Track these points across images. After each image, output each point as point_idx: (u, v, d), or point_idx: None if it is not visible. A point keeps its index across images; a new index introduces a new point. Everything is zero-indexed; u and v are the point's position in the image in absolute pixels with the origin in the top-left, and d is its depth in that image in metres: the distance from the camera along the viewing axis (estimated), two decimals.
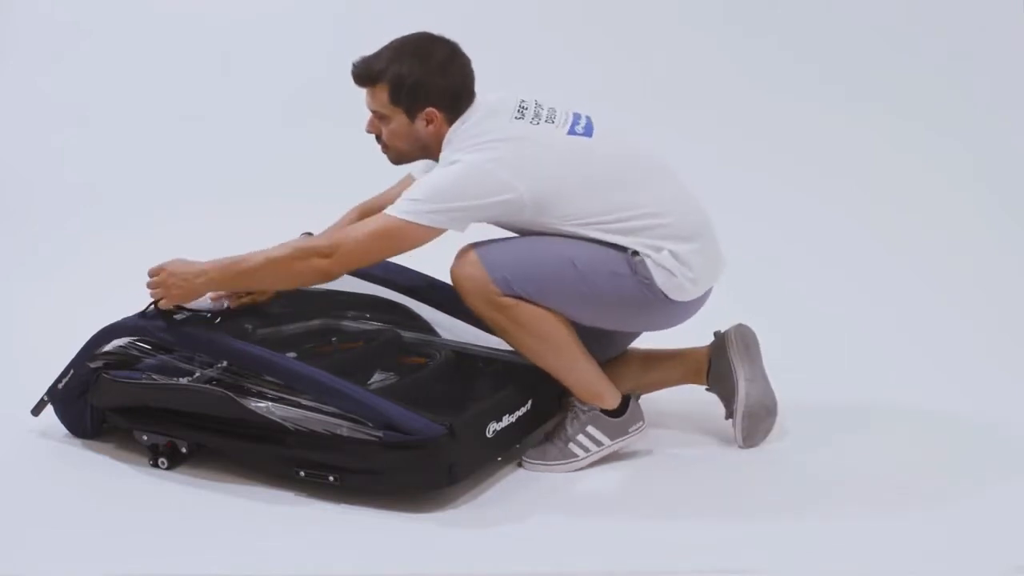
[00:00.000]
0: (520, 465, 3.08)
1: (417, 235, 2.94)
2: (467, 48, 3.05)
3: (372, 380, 3.26)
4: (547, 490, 2.99)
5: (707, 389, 3.27)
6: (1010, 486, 3.00)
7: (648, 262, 2.97)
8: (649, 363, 3.28)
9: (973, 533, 2.79)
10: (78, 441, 3.20)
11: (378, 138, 3.09)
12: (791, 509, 2.91)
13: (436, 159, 3.06)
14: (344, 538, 2.79)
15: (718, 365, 3.20)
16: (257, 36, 5.02)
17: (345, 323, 3.51)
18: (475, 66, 3.06)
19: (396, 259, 3.47)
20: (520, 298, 2.97)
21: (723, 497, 2.98)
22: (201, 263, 3.03)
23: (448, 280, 3.41)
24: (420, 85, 2.98)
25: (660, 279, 2.98)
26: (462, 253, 3.03)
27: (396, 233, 2.94)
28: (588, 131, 3.05)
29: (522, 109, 3.02)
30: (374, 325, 3.50)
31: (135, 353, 3.11)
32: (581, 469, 3.07)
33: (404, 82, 2.98)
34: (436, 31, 3.10)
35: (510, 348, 3.27)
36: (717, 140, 4.69)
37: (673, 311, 3.07)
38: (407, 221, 2.92)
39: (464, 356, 3.33)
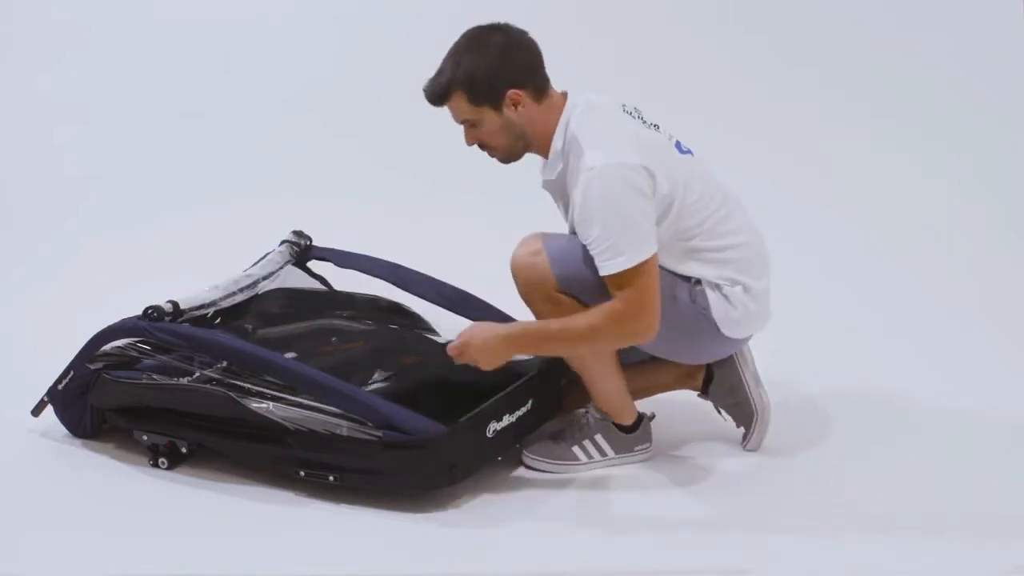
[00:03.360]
0: (520, 458, 3.08)
1: (653, 264, 2.85)
2: None
3: (372, 380, 3.26)
4: (547, 490, 2.99)
5: (701, 396, 3.24)
6: (1010, 486, 3.00)
7: (711, 294, 2.97)
8: (643, 369, 3.24)
9: (973, 533, 2.79)
10: (78, 441, 3.20)
11: (481, 146, 3.00)
12: (790, 509, 2.91)
13: (535, 150, 2.99)
14: (344, 538, 2.79)
15: (725, 375, 3.18)
16: (257, 35, 5.02)
17: (345, 323, 3.51)
18: None
19: (397, 260, 3.50)
20: (575, 298, 2.94)
21: (723, 497, 2.97)
22: (498, 331, 2.93)
23: (448, 281, 3.43)
24: (491, 73, 2.88)
25: (718, 312, 2.97)
26: (528, 241, 2.99)
27: (647, 270, 2.83)
28: (690, 152, 3.04)
29: (626, 109, 2.99)
30: (374, 325, 3.50)
31: (135, 354, 3.11)
32: (578, 475, 3.06)
33: (476, 79, 2.89)
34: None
35: None
36: (716, 140, 4.68)
37: (715, 347, 3.07)
38: (640, 262, 2.81)
39: None
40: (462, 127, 2.98)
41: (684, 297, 2.98)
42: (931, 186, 4.64)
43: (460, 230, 4.42)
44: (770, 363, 3.28)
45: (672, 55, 4.90)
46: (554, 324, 2.90)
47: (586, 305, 2.90)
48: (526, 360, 3.22)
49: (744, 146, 4.70)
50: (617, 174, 2.82)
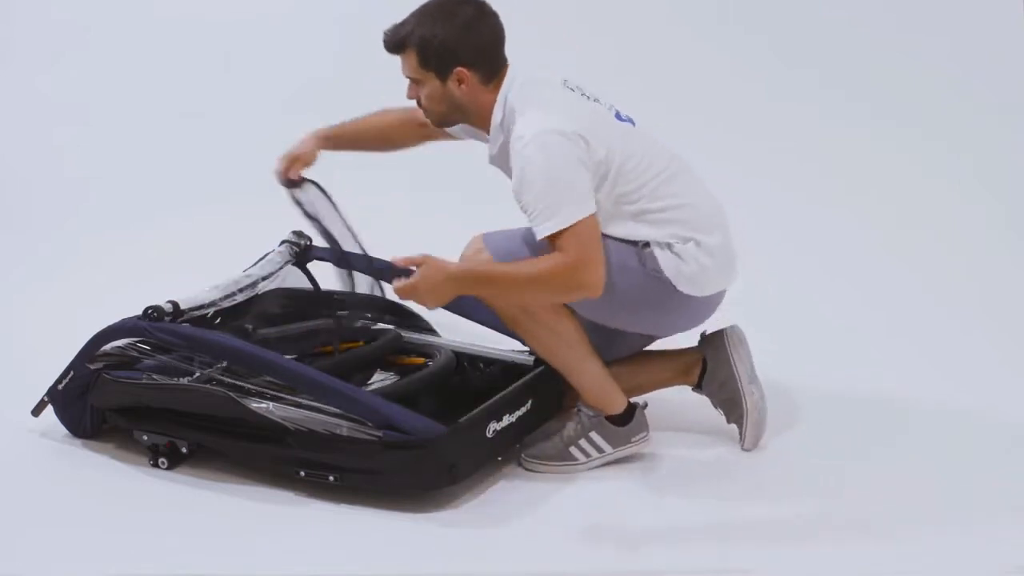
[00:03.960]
0: (519, 462, 3.08)
1: (592, 224, 2.85)
2: None
3: (372, 380, 3.26)
4: (547, 490, 2.99)
5: (695, 390, 3.24)
6: (1010, 485, 3.00)
7: (660, 254, 2.96)
8: (638, 365, 3.25)
9: (973, 533, 2.79)
10: (78, 441, 3.20)
11: (418, 103, 3.06)
12: (790, 509, 2.91)
13: (475, 123, 3.04)
14: (344, 538, 2.79)
15: (717, 370, 3.17)
16: (257, 35, 5.02)
17: (345, 323, 3.51)
18: None
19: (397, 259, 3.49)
20: None
21: (722, 497, 2.97)
22: (446, 270, 2.91)
23: None
24: (447, 46, 2.93)
25: (669, 271, 2.97)
26: (471, 243, 3.04)
27: (584, 230, 2.83)
28: (631, 121, 3.06)
29: (567, 85, 3.01)
30: (374, 325, 3.50)
31: (135, 354, 3.10)
32: (583, 473, 3.06)
33: (431, 44, 2.94)
34: None
35: (510, 348, 3.28)
36: (716, 140, 4.69)
37: (682, 311, 3.05)
38: (576, 221, 2.82)
39: (464, 356, 3.33)
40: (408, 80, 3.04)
41: (634, 264, 2.97)
42: (931, 186, 4.64)
43: (460, 230, 4.40)
44: (770, 363, 3.28)
45: (672, 55, 4.90)
46: (501, 266, 2.94)
47: None
48: (526, 360, 3.22)
49: (744, 146, 4.71)
50: (549, 140, 2.85)
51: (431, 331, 3.54)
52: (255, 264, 3.50)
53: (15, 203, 4.62)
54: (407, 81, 3.05)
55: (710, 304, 3.09)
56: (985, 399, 3.46)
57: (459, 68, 2.94)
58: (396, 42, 2.99)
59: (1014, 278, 4.20)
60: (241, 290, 3.36)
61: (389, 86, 4.76)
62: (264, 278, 3.44)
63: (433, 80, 2.97)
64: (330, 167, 3.57)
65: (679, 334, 3.21)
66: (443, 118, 3.06)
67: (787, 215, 4.53)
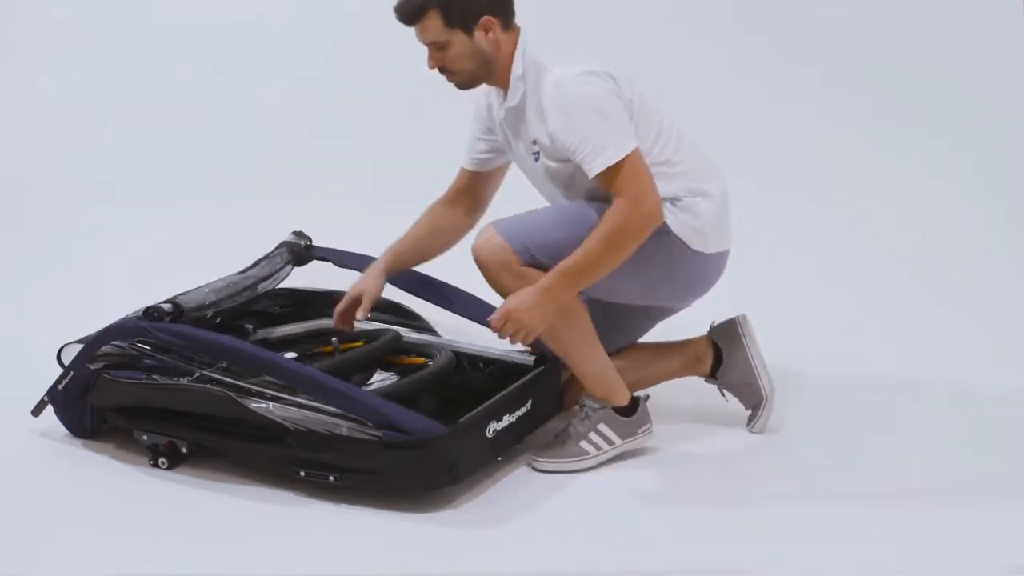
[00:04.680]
0: (532, 467, 3.08)
1: (638, 156, 2.92)
2: None
3: (372, 380, 3.26)
4: (547, 490, 2.99)
5: (708, 380, 3.28)
6: (1010, 485, 3.00)
7: (669, 212, 2.99)
8: (647, 356, 3.28)
9: (973, 533, 2.79)
10: (78, 441, 3.20)
11: (442, 70, 3.04)
12: (791, 508, 2.91)
13: (497, 77, 3.04)
14: (344, 538, 2.79)
15: (734, 358, 3.24)
16: (257, 35, 5.01)
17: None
18: None
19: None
20: (540, 267, 2.96)
21: (722, 497, 2.97)
22: (533, 288, 2.92)
23: (448, 281, 3.43)
24: None
25: (680, 229, 3.00)
26: (481, 231, 3.03)
27: (635, 162, 2.90)
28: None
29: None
30: (374, 325, 3.50)
31: (135, 354, 3.10)
32: (591, 468, 3.07)
33: (452, 2, 2.95)
34: None
35: (510, 348, 3.27)
36: (716, 140, 4.68)
37: (693, 271, 3.08)
38: (626, 154, 2.89)
39: (464, 356, 3.33)
40: (426, 50, 3.02)
41: None
42: (931, 186, 4.64)
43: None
44: (770, 362, 3.29)
45: (672, 55, 4.89)
46: (575, 255, 2.91)
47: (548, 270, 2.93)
48: (526, 360, 3.22)
49: (744, 146, 4.70)
50: (587, 78, 2.93)
51: (431, 331, 3.54)
52: (255, 264, 3.51)
53: (15, 203, 4.62)
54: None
55: (717, 266, 3.13)
56: (985, 399, 3.46)
57: (485, 17, 2.96)
58: (415, 9, 2.98)
59: (1014, 278, 4.20)
60: (241, 291, 3.36)
61: (389, 86, 4.80)
62: (264, 279, 3.44)
63: (460, 37, 2.98)
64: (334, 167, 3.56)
65: (683, 334, 3.22)
66: (472, 77, 3.05)
67: (787, 215, 4.53)
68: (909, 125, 4.79)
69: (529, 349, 3.23)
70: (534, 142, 3.02)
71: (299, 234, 3.59)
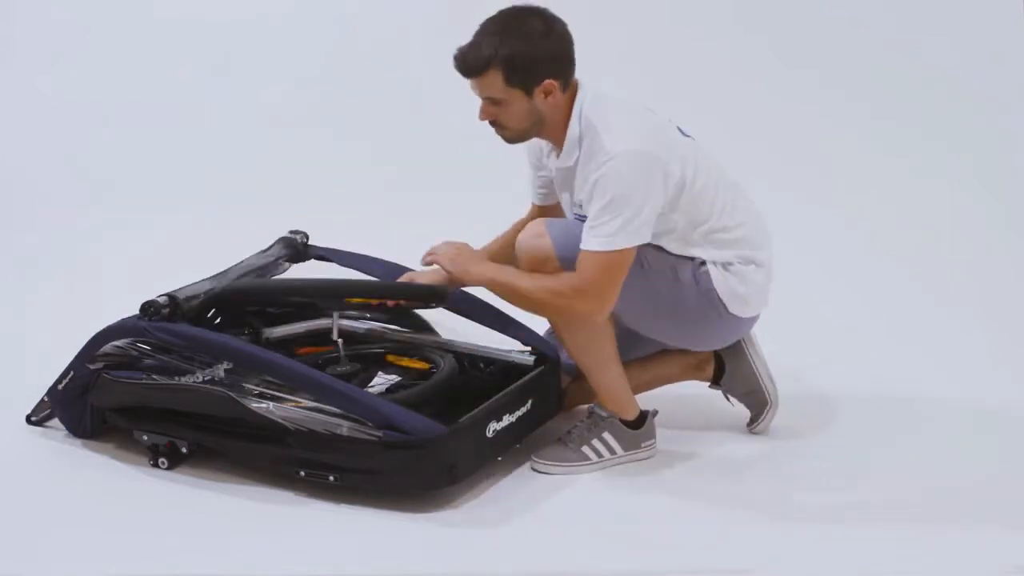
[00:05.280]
0: (532, 467, 3.08)
1: (631, 256, 2.89)
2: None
3: (374, 381, 3.26)
4: (547, 490, 2.99)
5: (712, 386, 3.28)
6: (1010, 485, 3.00)
7: (715, 273, 2.99)
8: (648, 361, 3.27)
9: (973, 533, 2.79)
10: (78, 441, 3.20)
11: (492, 123, 3.00)
12: (791, 509, 2.91)
13: (550, 134, 3.00)
14: (344, 538, 2.79)
15: (738, 366, 3.22)
16: (257, 35, 5.02)
17: (346, 323, 3.51)
18: None
19: (396, 260, 3.49)
20: None
21: (722, 497, 2.97)
22: (478, 257, 3.06)
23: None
24: (532, 61, 2.89)
25: (723, 291, 3.01)
26: (532, 225, 3.02)
27: (622, 262, 2.88)
28: (691, 136, 3.07)
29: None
30: (375, 325, 3.50)
31: (135, 354, 3.10)
32: (589, 473, 3.06)
33: (516, 62, 2.88)
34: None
35: (510, 348, 3.27)
36: (716, 140, 4.67)
37: (724, 330, 3.10)
38: (622, 248, 2.86)
39: (464, 356, 3.33)
40: (480, 100, 2.97)
41: (687, 277, 3.00)
42: (931, 186, 4.64)
43: (460, 230, 4.40)
44: (770, 363, 3.28)
45: (672, 55, 4.90)
46: (518, 276, 2.97)
47: None
48: (526, 360, 3.22)
49: (744, 146, 4.70)
50: (635, 161, 2.86)
51: (431, 330, 3.53)
52: (251, 256, 3.50)
53: (15, 203, 4.61)
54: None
55: (748, 326, 3.15)
56: (985, 399, 3.46)
57: (548, 81, 2.92)
58: (477, 65, 2.91)
59: (1014, 278, 4.20)
60: (237, 277, 3.34)
61: (390, 86, 4.80)
62: (260, 267, 3.43)
63: (519, 97, 2.93)
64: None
65: None
66: (523, 135, 3.02)
67: (787, 215, 4.51)
68: (909, 125, 4.79)
69: (529, 349, 3.23)
70: (580, 206, 2.99)
71: (296, 232, 3.59)
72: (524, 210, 3.36)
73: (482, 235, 3.29)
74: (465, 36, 2.96)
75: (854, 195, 4.65)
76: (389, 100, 4.80)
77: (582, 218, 2.95)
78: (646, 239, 2.89)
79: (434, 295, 3.17)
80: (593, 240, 2.87)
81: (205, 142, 4.83)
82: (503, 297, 3.05)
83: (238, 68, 4.97)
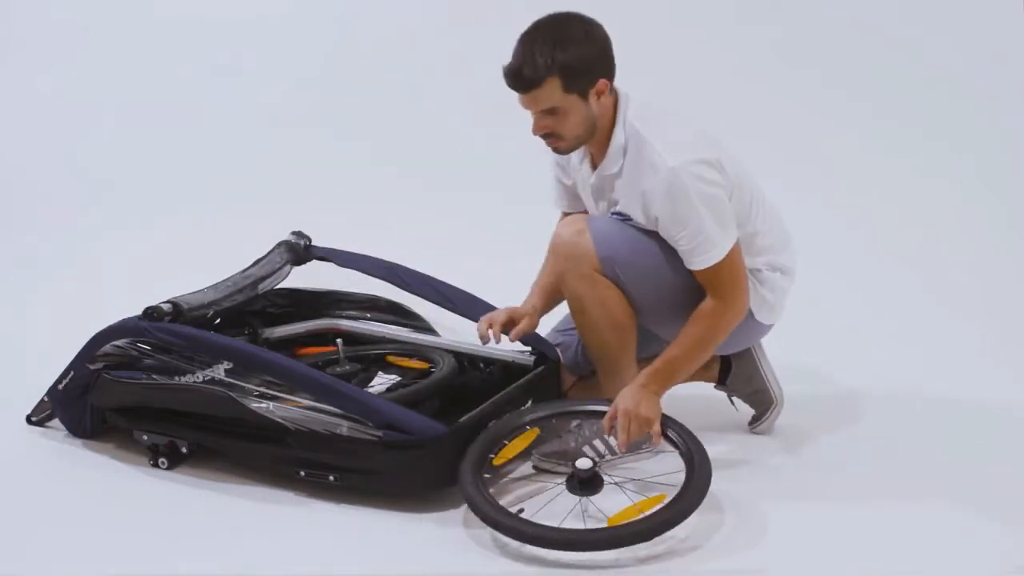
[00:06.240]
0: (533, 467, 3.07)
1: (739, 248, 2.94)
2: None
3: (374, 381, 3.26)
4: (547, 490, 2.98)
5: (718, 387, 3.28)
6: (1010, 485, 3.00)
7: (751, 281, 3.02)
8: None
9: (973, 533, 2.78)
10: (78, 441, 3.20)
11: (548, 135, 2.95)
12: (790, 509, 2.91)
13: (597, 141, 2.98)
14: (344, 538, 2.79)
15: (743, 367, 3.23)
16: (257, 35, 5.02)
17: (345, 323, 3.51)
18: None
19: (397, 260, 3.49)
20: (612, 280, 2.98)
21: (723, 497, 2.96)
22: (633, 388, 2.90)
23: (448, 280, 3.42)
24: (587, 63, 2.87)
25: (754, 300, 3.04)
26: (573, 222, 3.03)
27: (735, 258, 2.93)
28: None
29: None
30: (375, 325, 3.50)
31: (135, 354, 3.10)
32: None
33: (573, 67, 2.85)
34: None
35: (510, 348, 3.27)
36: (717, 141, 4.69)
37: (745, 335, 3.11)
38: (729, 251, 2.91)
39: (464, 356, 3.33)
40: (532, 115, 2.93)
41: None
42: (932, 186, 4.64)
43: (460, 230, 4.42)
44: (771, 362, 3.28)
45: (672, 56, 4.89)
46: (670, 354, 2.94)
47: (621, 288, 2.96)
48: (526, 360, 3.22)
49: (744, 146, 4.67)
50: (698, 171, 2.88)
51: (431, 331, 3.53)
52: (254, 264, 3.50)
53: (15, 203, 4.62)
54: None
55: (766, 331, 3.18)
56: (986, 399, 3.46)
57: (601, 81, 2.90)
58: (536, 76, 2.86)
59: (1015, 278, 4.20)
60: (241, 290, 3.35)
61: (390, 86, 4.80)
62: (263, 278, 3.43)
63: (576, 102, 2.90)
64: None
65: None
66: (578, 143, 2.98)
67: (787, 215, 4.50)
68: (910, 125, 4.79)
69: (529, 349, 3.23)
70: (617, 211, 3.00)
71: (298, 234, 3.58)
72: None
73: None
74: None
75: (856, 195, 4.65)
76: (389, 100, 4.80)
77: (614, 215, 2.98)
78: (737, 233, 2.94)
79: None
80: (702, 258, 2.90)
81: (205, 142, 4.83)
82: (687, 374, 3.01)
83: (238, 68, 4.97)
